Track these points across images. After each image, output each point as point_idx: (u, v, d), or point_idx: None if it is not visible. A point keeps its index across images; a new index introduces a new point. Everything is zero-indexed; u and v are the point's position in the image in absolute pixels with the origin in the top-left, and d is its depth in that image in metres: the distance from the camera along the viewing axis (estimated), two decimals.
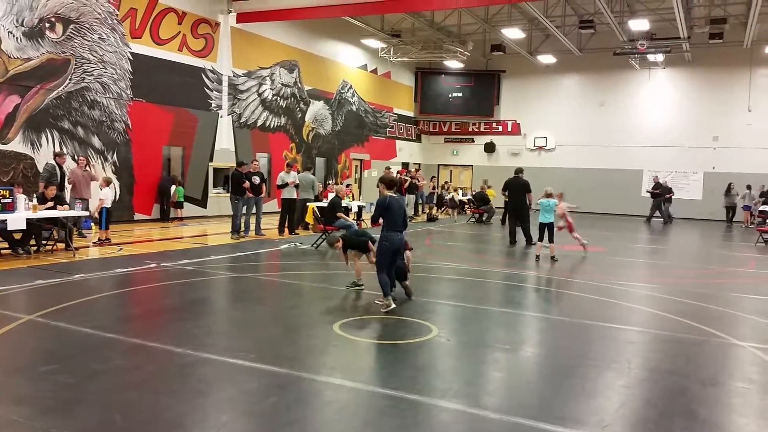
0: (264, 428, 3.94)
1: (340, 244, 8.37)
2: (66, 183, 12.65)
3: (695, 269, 12.44)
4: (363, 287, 8.37)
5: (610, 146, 27.71)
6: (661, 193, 23.57)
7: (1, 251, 10.30)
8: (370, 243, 8.34)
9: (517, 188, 14.86)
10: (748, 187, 23.32)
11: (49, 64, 14.13)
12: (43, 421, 3.89)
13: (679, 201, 26.40)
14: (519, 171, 15.23)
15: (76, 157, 13.92)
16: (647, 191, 24.15)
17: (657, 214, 23.83)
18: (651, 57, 24.91)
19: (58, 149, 14.22)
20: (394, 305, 7.18)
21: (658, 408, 4.50)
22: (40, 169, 13.84)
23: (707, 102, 26.08)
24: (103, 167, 15.56)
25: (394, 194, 7.45)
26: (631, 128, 27.40)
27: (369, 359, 5.66)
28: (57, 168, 12.44)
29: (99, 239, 12.31)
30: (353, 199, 18.51)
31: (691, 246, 17.29)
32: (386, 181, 7.57)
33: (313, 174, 16.51)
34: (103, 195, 12.34)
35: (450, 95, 30.67)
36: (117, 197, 12.86)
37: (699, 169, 26.40)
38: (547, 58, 26.98)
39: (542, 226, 12.00)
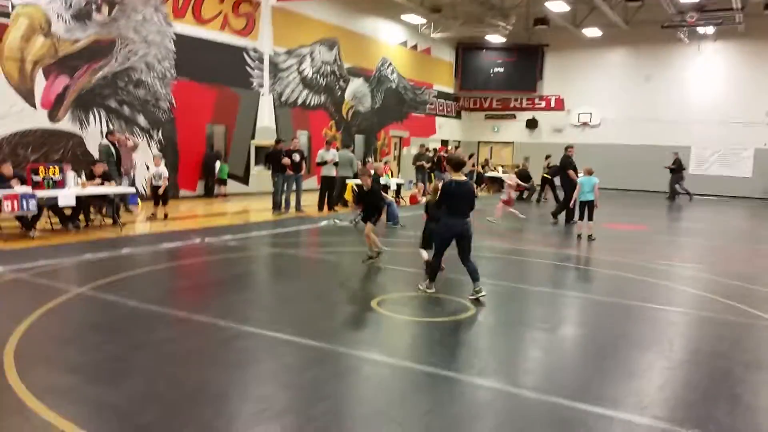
0: (303, 401, 4.04)
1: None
2: (122, 161, 13.01)
3: (742, 249, 12.08)
4: (379, 256, 8.57)
5: (657, 122, 26.92)
6: (677, 169, 23.14)
7: (53, 227, 10.69)
8: (382, 209, 8.80)
9: (569, 166, 14.36)
10: None
11: (96, 44, 14.45)
12: (93, 390, 4.08)
13: (728, 179, 25.57)
14: (569, 147, 14.90)
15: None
16: (665, 167, 23.47)
17: (680, 190, 23.32)
18: (701, 30, 23.99)
19: (105, 128, 14.60)
20: (434, 289, 6.93)
21: (699, 391, 4.44)
22: (89, 148, 14.28)
23: (760, 76, 25.02)
24: (149, 145, 15.92)
25: (463, 176, 6.88)
26: (679, 104, 26.54)
27: (406, 336, 5.72)
28: (111, 147, 12.79)
29: (156, 215, 12.64)
30: (392, 177, 18.52)
31: (739, 225, 16.78)
32: (453, 162, 6.97)
33: (353, 152, 16.57)
34: (161, 173, 12.61)
35: (491, 71, 30.19)
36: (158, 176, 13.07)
37: (750, 145, 25.46)
38: (592, 32, 26.23)
39: (582, 205, 11.77)
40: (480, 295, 6.61)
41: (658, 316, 6.54)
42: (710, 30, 24.06)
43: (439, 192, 6.84)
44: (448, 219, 6.68)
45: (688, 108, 26.37)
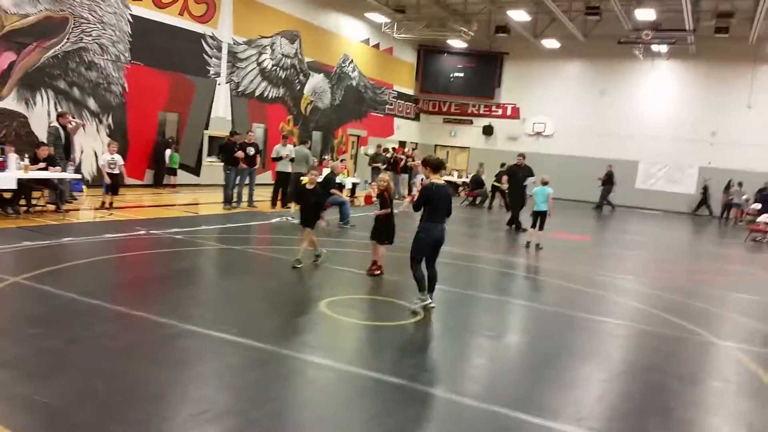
0: (245, 403, 3.97)
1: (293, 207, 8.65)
2: (71, 145, 12.54)
3: (682, 264, 12.52)
4: (318, 258, 8.40)
5: (608, 135, 27.63)
6: (608, 182, 24.89)
7: None
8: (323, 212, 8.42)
9: (523, 174, 14.85)
10: (739, 184, 23.41)
11: (47, 21, 13.91)
12: (25, 386, 3.91)
13: (672, 195, 26.45)
14: (521, 156, 15.32)
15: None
16: (598, 178, 25.19)
17: (605, 201, 25.03)
18: (655, 47, 24.76)
19: (53, 109, 14.08)
20: (430, 300, 6.46)
21: (634, 403, 4.56)
22: (34, 129, 13.74)
23: (708, 96, 25.99)
24: (98, 130, 15.43)
25: (440, 180, 6.58)
26: (630, 118, 27.31)
27: (353, 339, 5.70)
28: (61, 129, 12.30)
29: (108, 204, 12.10)
30: (348, 176, 18.46)
31: (680, 240, 17.39)
32: (433, 164, 6.54)
33: (309, 148, 16.43)
34: (115, 160, 12.18)
35: (451, 75, 30.43)
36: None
37: (695, 163, 26.42)
38: (551, 43, 26.75)
39: (535, 214, 11.93)
40: (430, 306, 6.44)
41: (599, 327, 6.71)
42: (664, 48, 24.86)
43: (416, 195, 6.70)
44: (427, 224, 6.41)
45: (638, 123, 27.16)
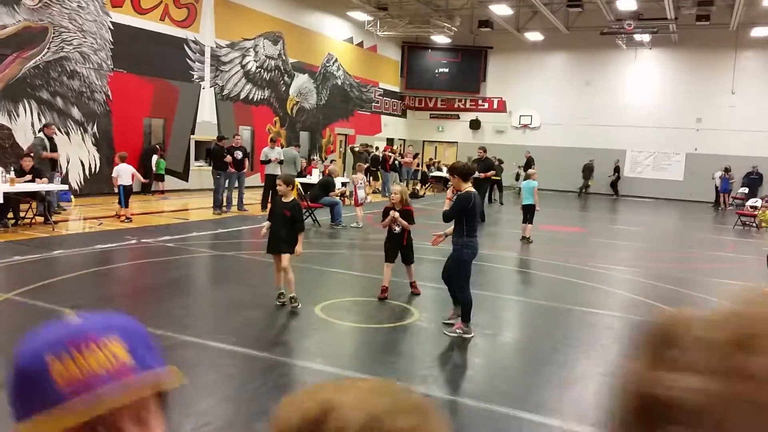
0: (245, 415, 3.95)
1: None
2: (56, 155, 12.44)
3: (675, 252, 12.60)
4: (293, 301, 6.35)
5: (594, 126, 27.78)
6: (589, 171, 26.59)
7: None
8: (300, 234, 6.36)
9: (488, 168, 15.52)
10: (726, 170, 23.59)
11: (26, 32, 13.75)
12: None
13: (661, 182, 26.65)
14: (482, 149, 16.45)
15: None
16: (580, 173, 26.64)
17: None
18: (638, 37, 24.88)
19: (36, 120, 13.94)
20: (473, 334, 5.76)
21: None
22: (18, 140, 13.60)
23: (691, 84, 26.18)
24: (83, 139, 15.30)
25: (471, 188, 5.87)
26: (616, 108, 27.46)
27: (350, 343, 5.69)
28: (47, 140, 12.22)
29: (126, 217, 11.76)
30: (336, 176, 18.37)
31: (672, 228, 17.51)
32: (461, 172, 5.85)
33: (298, 150, 16.39)
34: (119, 171, 11.88)
35: (436, 71, 30.44)
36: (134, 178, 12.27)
37: (681, 150, 26.61)
38: (534, 36, 26.81)
39: (524, 208, 11.96)
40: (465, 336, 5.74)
41: (594, 320, 6.74)
42: (646, 38, 24.99)
43: (455, 204, 5.76)
44: (472, 239, 5.71)
45: (624, 112, 27.32)
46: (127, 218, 11.75)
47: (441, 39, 27.64)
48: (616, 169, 26.81)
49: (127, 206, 11.87)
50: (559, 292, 8.20)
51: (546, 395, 4.51)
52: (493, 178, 19.81)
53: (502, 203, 20.16)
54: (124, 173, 11.90)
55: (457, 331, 5.77)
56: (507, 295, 7.96)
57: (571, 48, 27.84)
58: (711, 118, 25.83)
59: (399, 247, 6.99)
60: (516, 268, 9.96)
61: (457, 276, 5.81)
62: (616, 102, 27.46)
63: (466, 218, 5.66)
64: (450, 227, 5.93)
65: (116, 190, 11.94)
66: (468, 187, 5.81)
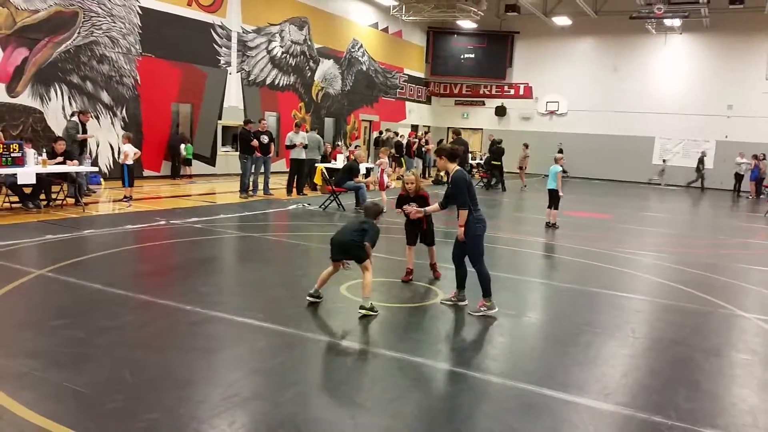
0: (272, 386, 4.01)
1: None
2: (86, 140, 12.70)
3: (704, 239, 12.39)
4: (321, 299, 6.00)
5: (623, 112, 27.33)
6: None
7: (12, 205, 10.36)
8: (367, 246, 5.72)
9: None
10: (763, 156, 23.00)
11: (58, 16, 13.97)
12: (54, 375, 3.97)
13: (690, 170, 26.17)
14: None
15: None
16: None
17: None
18: (668, 22, 24.37)
19: (68, 104, 14.19)
20: (497, 309, 5.84)
21: (661, 378, 4.54)
22: (49, 124, 13.85)
23: (723, 69, 25.58)
24: (112, 123, 15.52)
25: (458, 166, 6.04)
26: (645, 94, 26.97)
27: (375, 321, 5.71)
28: (80, 126, 12.44)
29: (124, 196, 11.93)
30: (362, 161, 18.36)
31: (700, 215, 17.21)
32: (447, 153, 6.00)
33: (319, 134, 16.41)
34: (126, 150, 12.02)
35: (462, 56, 30.19)
36: (136, 156, 12.37)
37: (711, 137, 26.07)
38: (562, 20, 26.42)
39: (549, 193, 11.87)
40: (489, 312, 5.81)
41: (621, 303, 6.67)
42: (677, 22, 24.46)
43: (453, 182, 5.87)
44: (477, 213, 5.83)
45: (653, 99, 26.82)
46: (126, 198, 11.81)
47: (467, 24, 27.37)
48: (701, 161, 25.04)
49: (132, 185, 12.02)
50: (586, 275, 8.14)
51: (572, 374, 4.49)
52: (494, 162, 19.80)
53: (504, 189, 19.95)
54: (130, 153, 12.02)
55: (481, 309, 5.80)
56: (531, 277, 7.91)
57: (599, 33, 27.39)
58: (743, 104, 25.24)
59: (419, 231, 6.98)
60: (541, 252, 9.89)
61: (473, 252, 5.88)
62: (644, 88, 26.97)
63: (471, 191, 5.81)
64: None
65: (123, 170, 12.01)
66: (455, 166, 5.96)
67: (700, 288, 7.44)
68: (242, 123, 14.87)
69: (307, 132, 16.27)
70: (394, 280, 6.94)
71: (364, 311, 5.60)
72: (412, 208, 6.51)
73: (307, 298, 5.87)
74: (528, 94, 29.82)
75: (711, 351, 5.20)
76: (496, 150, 20.14)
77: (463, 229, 5.82)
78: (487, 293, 5.83)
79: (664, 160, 26.31)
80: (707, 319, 6.19)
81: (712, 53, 25.89)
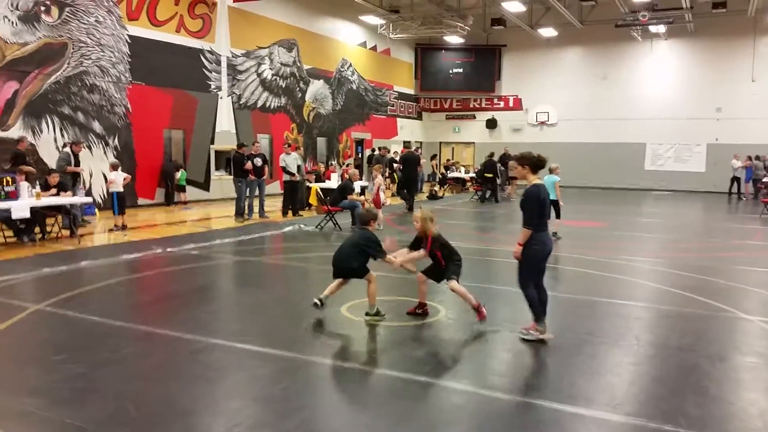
0: (275, 414, 3.96)
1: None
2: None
3: (700, 242, 12.41)
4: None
5: (613, 120, 27.50)
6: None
7: (7, 240, 10.30)
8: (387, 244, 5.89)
9: (411, 162, 17.67)
10: (757, 158, 23.05)
11: (47, 48, 14.00)
12: (56, 412, 3.91)
13: (683, 174, 26.29)
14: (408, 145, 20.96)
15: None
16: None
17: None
18: (653, 28, 24.60)
19: (59, 135, 14.18)
20: (549, 334, 5.50)
21: (668, 385, 4.51)
22: (42, 156, 13.82)
23: (710, 73, 25.80)
24: (105, 152, 15.51)
25: (540, 180, 5.58)
26: (634, 101, 27.17)
27: (377, 342, 5.67)
28: (72, 157, 12.41)
29: (115, 225, 11.93)
30: (356, 179, 18.40)
31: (694, 219, 17.25)
32: (531, 162, 5.46)
33: (311, 153, 16.44)
34: (112, 178, 12.06)
35: (450, 71, 30.38)
36: (126, 181, 12.38)
37: (702, 141, 26.22)
38: (548, 32, 26.66)
39: (549, 203, 11.83)
40: (549, 338, 5.48)
41: (623, 311, 6.65)
42: (662, 29, 24.70)
43: (524, 199, 5.44)
44: (539, 234, 5.41)
45: (642, 105, 27.01)
46: (117, 226, 11.85)
47: (454, 39, 27.59)
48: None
49: (122, 213, 12.02)
50: (586, 284, 8.12)
51: (579, 386, 4.45)
52: (486, 175, 19.80)
53: (497, 201, 19.94)
54: (118, 180, 12.04)
55: (532, 332, 5.51)
56: None
57: (585, 42, 27.64)
58: (731, 107, 25.44)
59: (436, 267, 6.19)
60: None
61: (520, 271, 5.64)
62: (633, 95, 27.17)
63: (539, 212, 5.44)
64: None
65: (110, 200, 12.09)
66: (536, 179, 5.50)
67: (701, 292, 7.43)
68: (235, 147, 14.87)
69: (297, 151, 16.25)
70: (395, 298, 6.90)
71: (369, 317, 5.64)
72: (402, 260, 6.10)
73: (314, 300, 6.01)
74: (518, 105, 30.00)
75: (716, 355, 5.18)
76: (488, 163, 20.21)
77: (521, 248, 5.46)
78: (536, 317, 5.52)
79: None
80: (710, 324, 6.17)
81: (698, 57, 26.13)
